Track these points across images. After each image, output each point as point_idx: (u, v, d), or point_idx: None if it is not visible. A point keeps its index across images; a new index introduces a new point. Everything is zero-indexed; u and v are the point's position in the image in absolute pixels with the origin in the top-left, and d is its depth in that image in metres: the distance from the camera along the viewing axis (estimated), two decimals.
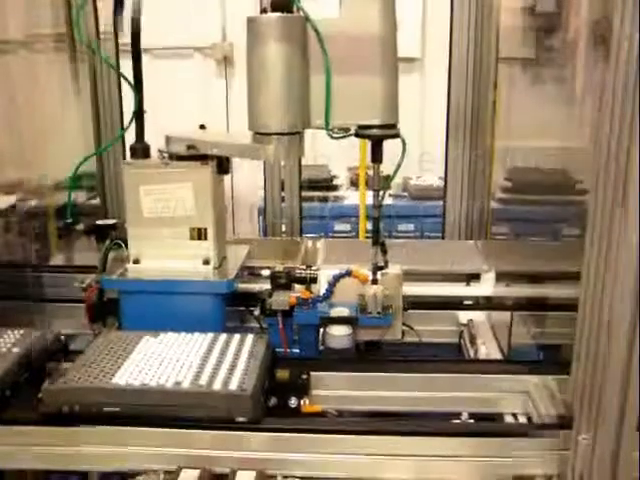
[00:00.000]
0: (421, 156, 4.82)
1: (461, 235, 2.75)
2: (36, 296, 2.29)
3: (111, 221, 2.02)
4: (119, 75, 2.19)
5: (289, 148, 1.68)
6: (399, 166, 1.76)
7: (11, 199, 3.16)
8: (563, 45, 4.67)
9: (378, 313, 1.80)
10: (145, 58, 4.75)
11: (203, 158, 1.80)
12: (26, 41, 3.28)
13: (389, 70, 1.72)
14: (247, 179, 4.07)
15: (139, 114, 1.85)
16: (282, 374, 1.70)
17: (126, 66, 2.02)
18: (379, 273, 1.86)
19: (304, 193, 4.06)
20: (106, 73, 2.66)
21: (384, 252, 1.85)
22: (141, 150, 1.86)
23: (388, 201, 4.41)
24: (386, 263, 1.85)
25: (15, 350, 1.69)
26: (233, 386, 1.51)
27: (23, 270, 2.46)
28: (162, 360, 1.63)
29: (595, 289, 1.34)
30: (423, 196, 4.41)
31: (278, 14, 1.63)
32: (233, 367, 1.60)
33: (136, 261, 1.87)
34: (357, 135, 1.75)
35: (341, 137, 1.76)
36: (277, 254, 2.23)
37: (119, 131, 2.50)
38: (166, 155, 1.82)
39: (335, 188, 4.47)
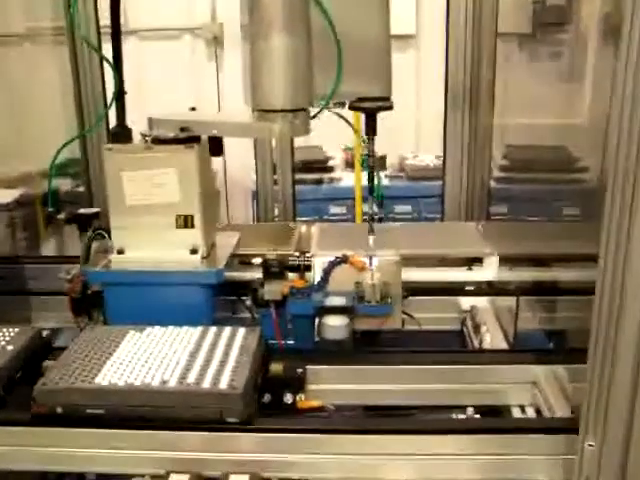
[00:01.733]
0: (417, 134, 4.74)
1: (461, 216, 2.66)
2: (21, 289, 2.19)
3: (93, 210, 1.91)
4: (101, 56, 2.08)
5: (296, 125, 1.60)
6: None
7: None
8: (562, 22, 4.58)
9: (376, 302, 1.71)
10: (132, 40, 4.68)
11: (188, 141, 1.69)
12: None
13: (384, 43, 1.66)
14: (240, 162, 3.97)
15: (120, 95, 1.74)
16: (276, 368, 1.61)
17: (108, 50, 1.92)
18: (376, 259, 1.77)
19: (298, 175, 3.98)
20: (87, 54, 2.54)
21: (380, 206, 1.83)
22: (122, 134, 1.75)
23: (384, 182, 4.31)
24: (380, 219, 1.79)
25: (9, 348, 1.61)
26: (223, 384, 1.42)
27: (8, 262, 2.36)
28: (148, 357, 1.54)
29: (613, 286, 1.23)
30: (420, 176, 4.30)
31: None
32: (223, 363, 1.50)
33: (120, 251, 1.77)
34: (351, 108, 1.68)
35: (336, 112, 1.69)
36: (270, 240, 2.14)
37: (99, 115, 2.38)
38: (149, 139, 1.71)
39: (330, 170, 4.35)
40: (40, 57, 3.54)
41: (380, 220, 1.81)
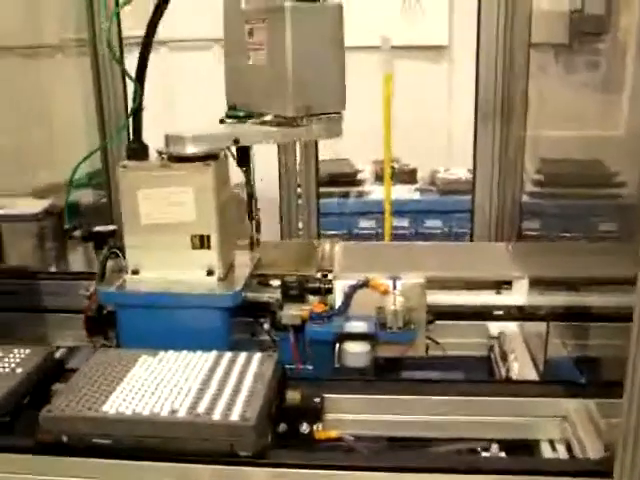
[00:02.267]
0: (449, 147, 4.64)
1: (491, 233, 2.57)
2: (39, 305, 2.16)
3: (110, 227, 1.86)
4: (123, 70, 2.01)
5: (332, 127, 1.68)
6: None
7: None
8: (600, 31, 4.45)
9: (399, 328, 1.63)
10: (162, 51, 4.66)
11: (205, 159, 1.64)
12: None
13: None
14: (265, 171, 3.92)
15: (137, 111, 1.69)
16: (293, 397, 1.54)
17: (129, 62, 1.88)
18: (399, 283, 1.69)
19: (326, 189, 3.92)
20: (109, 66, 2.51)
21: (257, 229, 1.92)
22: (139, 151, 1.70)
23: (415, 196, 4.23)
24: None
25: (19, 371, 1.56)
26: (235, 415, 1.35)
27: (27, 277, 2.33)
28: (159, 383, 1.48)
29: None
30: (451, 190, 4.20)
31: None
32: (236, 392, 1.44)
33: (135, 272, 1.72)
34: None
35: None
36: (291, 259, 2.07)
37: (118, 128, 2.33)
38: (165, 156, 1.66)
39: (359, 183, 4.28)
40: (71, 68, 3.54)
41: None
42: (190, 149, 1.63)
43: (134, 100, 1.68)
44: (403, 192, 4.22)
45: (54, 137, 3.40)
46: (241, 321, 1.84)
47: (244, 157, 1.70)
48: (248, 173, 1.84)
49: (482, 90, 2.51)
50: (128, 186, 1.67)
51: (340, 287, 1.73)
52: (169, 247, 1.69)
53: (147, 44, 1.66)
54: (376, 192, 4.21)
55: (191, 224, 1.67)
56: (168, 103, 4.41)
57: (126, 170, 1.67)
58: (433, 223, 4.12)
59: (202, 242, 1.68)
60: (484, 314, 1.93)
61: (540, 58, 4.67)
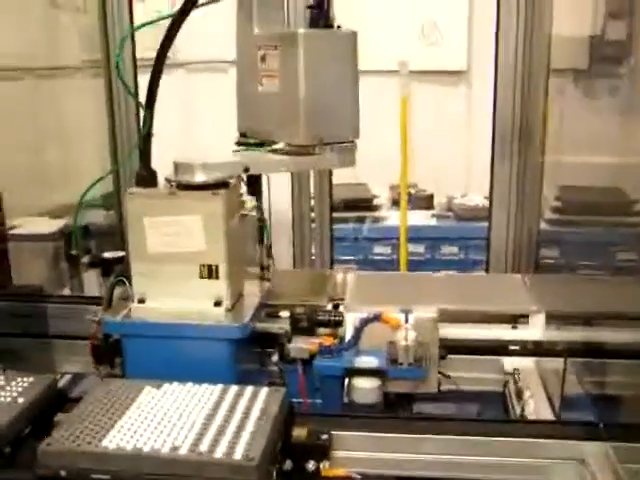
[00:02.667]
0: (467, 173, 4.59)
1: (507, 263, 2.52)
2: (47, 331, 2.13)
3: (119, 254, 1.84)
4: (136, 101, 1.98)
5: (345, 156, 1.64)
6: None
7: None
8: (621, 56, 4.41)
9: (410, 364, 1.58)
10: (180, 73, 4.66)
11: (214, 187, 1.60)
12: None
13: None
14: (282, 195, 3.90)
15: (147, 136, 1.67)
16: (299, 433, 1.49)
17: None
18: (411, 317, 1.65)
19: (341, 214, 3.88)
20: (122, 89, 2.49)
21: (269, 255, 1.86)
22: (147, 178, 1.67)
23: (431, 222, 4.18)
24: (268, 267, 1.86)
25: (20, 400, 1.52)
26: (238, 454, 1.31)
27: (35, 301, 2.30)
28: (162, 417, 1.44)
29: None
30: (469, 217, 4.15)
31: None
32: (241, 428, 1.40)
33: (141, 300, 1.68)
34: None
35: None
36: (302, 289, 2.03)
37: (127, 155, 2.32)
38: (174, 184, 1.63)
39: (375, 208, 4.23)
40: (88, 89, 3.55)
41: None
42: (199, 177, 1.60)
43: (144, 126, 1.65)
44: (420, 218, 4.17)
45: (71, 157, 3.40)
46: (251, 351, 1.80)
47: (255, 185, 1.67)
48: (258, 199, 1.80)
49: (499, 116, 2.47)
50: (135, 213, 1.64)
51: (351, 320, 1.68)
52: (176, 276, 1.66)
53: (157, 70, 1.64)
54: (392, 218, 4.16)
55: (199, 254, 1.63)
56: (185, 125, 4.41)
57: (133, 197, 1.64)
58: (449, 250, 4.07)
59: (210, 272, 1.64)
60: (499, 349, 1.87)
61: (559, 83, 4.65)
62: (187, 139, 4.25)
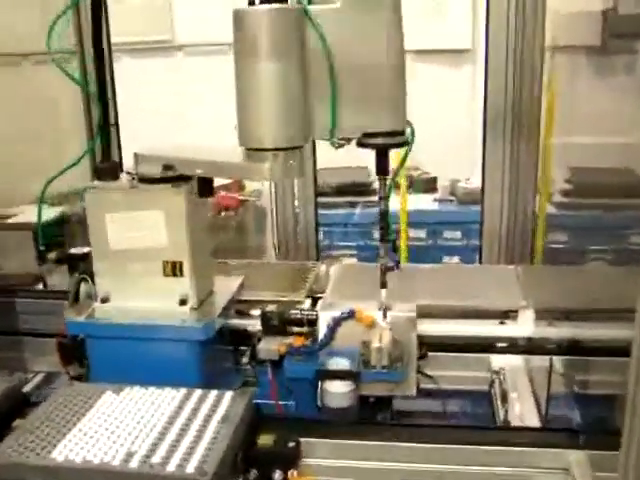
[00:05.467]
0: (472, 155, 4.46)
1: (501, 251, 2.40)
2: (17, 328, 2.06)
3: (85, 249, 1.75)
4: (80, 84, 1.83)
5: (287, 166, 1.41)
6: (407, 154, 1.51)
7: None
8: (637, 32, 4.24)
9: (383, 367, 1.49)
10: (179, 55, 4.56)
11: (176, 180, 1.51)
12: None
13: (397, 70, 1.44)
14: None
15: (105, 127, 1.58)
16: (265, 440, 1.41)
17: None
18: (389, 315, 1.56)
19: (340, 198, 3.79)
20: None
21: (395, 250, 1.61)
22: (108, 170, 1.58)
23: (434, 206, 4.07)
24: (397, 264, 1.59)
25: None
26: (191, 467, 1.23)
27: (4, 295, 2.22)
28: (119, 424, 1.37)
29: None
30: (472, 200, 4.02)
31: (270, 5, 1.35)
32: (199, 436, 1.32)
33: (104, 300, 1.61)
34: (360, 144, 1.49)
35: (341, 146, 1.50)
36: (280, 283, 1.94)
37: (88, 144, 2.21)
38: (135, 177, 1.55)
39: (374, 192, 4.09)
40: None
41: (397, 266, 1.58)
42: (160, 170, 1.51)
43: (99, 119, 1.56)
44: (422, 202, 4.05)
45: (63, 144, 3.33)
46: (222, 350, 1.73)
47: (206, 187, 1.54)
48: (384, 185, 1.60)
49: (491, 97, 2.35)
50: (95, 209, 1.56)
51: (325, 319, 1.59)
52: (140, 274, 1.58)
53: (99, 57, 1.54)
54: (394, 202, 4.03)
55: (162, 250, 1.55)
56: (183, 107, 4.33)
57: (93, 191, 1.56)
58: (452, 235, 3.95)
59: (174, 269, 1.56)
60: (485, 346, 1.77)
61: (569, 61, 4.50)
62: (185, 122, 4.16)
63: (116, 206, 1.54)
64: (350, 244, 3.96)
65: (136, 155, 1.55)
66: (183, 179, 1.52)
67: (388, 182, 1.56)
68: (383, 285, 1.57)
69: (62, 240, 2.91)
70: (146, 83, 4.49)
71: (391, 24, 1.40)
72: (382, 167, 1.52)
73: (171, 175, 1.51)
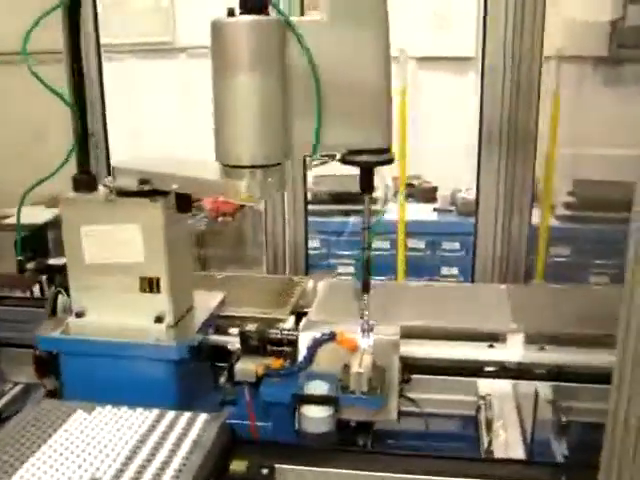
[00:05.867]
0: (473, 165, 4.39)
1: (495, 267, 2.33)
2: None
3: (63, 260, 1.70)
4: (56, 93, 1.72)
5: (266, 183, 1.35)
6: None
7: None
8: None
9: (363, 393, 1.44)
10: (182, 57, 4.51)
11: (154, 194, 1.47)
12: None
13: (383, 86, 1.39)
14: None
15: (83, 138, 1.53)
16: (238, 466, 1.37)
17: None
18: (371, 337, 1.51)
19: (338, 206, 3.73)
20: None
21: (369, 271, 1.58)
22: (85, 182, 1.54)
23: (433, 216, 4.01)
24: (366, 286, 1.56)
25: None
26: None
27: None
28: (86, 446, 1.32)
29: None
30: (471, 211, 3.95)
31: (250, 16, 1.30)
32: (167, 462, 1.28)
33: (79, 314, 1.56)
34: (344, 162, 1.44)
35: (321, 164, 1.46)
36: (264, 298, 1.89)
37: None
38: (112, 189, 1.50)
39: (374, 201, 4.03)
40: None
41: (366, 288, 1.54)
42: (135, 184, 1.46)
43: (77, 129, 1.51)
44: (421, 211, 3.99)
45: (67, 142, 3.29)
46: (200, 367, 1.68)
47: (183, 202, 1.49)
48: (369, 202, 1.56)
49: (487, 109, 2.29)
50: (71, 221, 1.51)
51: (305, 339, 1.54)
52: (115, 289, 1.53)
53: (75, 66, 1.49)
54: (393, 210, 3.96)
55: (138, 265, 1.50)
56: (186, 109, 4.29)
57: (69, 203, 1.51)
58: (451, 245, 3.89)
59: (151, 285, 1.51)
60: (473, 370, 1.72)
61: (576, 71, 4.44)
62: (188, 124, 4.11)
63: (92, 219, 1.50)
64: (347, 253, 3.91)
65: (113, 168, 1.50)
66: (160, 193, 1.47)
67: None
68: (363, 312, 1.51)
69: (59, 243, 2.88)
70: (149, 84, 4.47)
71: (378, 40, 1.34)
72: (366, 184, 1.47)
73: (148, 189, 1.46)
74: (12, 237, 2.95)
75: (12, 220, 3.39)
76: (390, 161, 1.44)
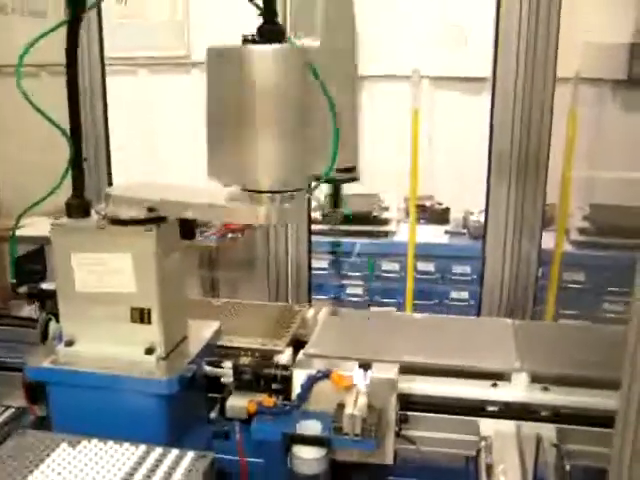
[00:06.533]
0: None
1: (503, 296, 2.27)
2: None
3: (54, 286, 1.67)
4: (55, 124, 1.67)
5: (285, 209, 1.33)
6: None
7: None
8: None
9: (356, 435, 1.38)
10: (196, 72, 4.49)
11: (148, 222, 1.43)
12: None
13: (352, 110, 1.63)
14: None
15: (77, 162, 1.49)
16: None
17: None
18: (367, 376, 1.46)
19: (348, 227, 3.67)
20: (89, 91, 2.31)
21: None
22: (78, 207, 1.50)
23: (444, 239, 3.94)
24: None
25: None
26: None
27: None
28: None
29: None
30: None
31: (275, 45, 1.29)
32: None
33: (69, 343, 1.52)
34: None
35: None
36: (262, 328, 1.84)
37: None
38: (105, 217, 1.46)
39: (384, 222, 3.97)
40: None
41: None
42: (130, 211, 1.42)
43: (71, 154, 1.48)
44: (432, 234, 3.92)
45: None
46: (191, 399, 1.63)
47: (187, 229, 1.46)
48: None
49: (497, 133, 2.23)
50: (61, 247, 1.47)
51: (299, 377, 1.49)
52: (106, 319, 1.49)
53: (72, 87, 1.45)
54: (403, 232, 3.89)
55: (129, 295, 1.46)
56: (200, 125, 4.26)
57: (59, 229, 1.47)
58: (462, 269, 3.81)
59: (142, 316, 1.47)
60: (475, 409, 1.66)
61: (594, 93, 4.37)
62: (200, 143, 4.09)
63: (82, 246, 1.46)
64: (356, 274, 3.86)
65: (107, 194, 1.47)
66: (153, 221, 1.43)
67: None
68: None
69: None
70: (162, 98, 4.46)
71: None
72: (335, 200, 1.72)
73: (143, 217, 1.42)
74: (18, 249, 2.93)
75: (19, 232, 3.37)
76: (355, 179, 1.64)
